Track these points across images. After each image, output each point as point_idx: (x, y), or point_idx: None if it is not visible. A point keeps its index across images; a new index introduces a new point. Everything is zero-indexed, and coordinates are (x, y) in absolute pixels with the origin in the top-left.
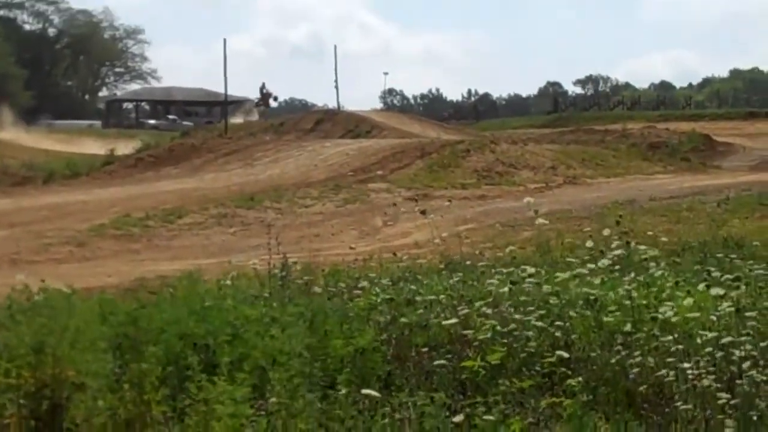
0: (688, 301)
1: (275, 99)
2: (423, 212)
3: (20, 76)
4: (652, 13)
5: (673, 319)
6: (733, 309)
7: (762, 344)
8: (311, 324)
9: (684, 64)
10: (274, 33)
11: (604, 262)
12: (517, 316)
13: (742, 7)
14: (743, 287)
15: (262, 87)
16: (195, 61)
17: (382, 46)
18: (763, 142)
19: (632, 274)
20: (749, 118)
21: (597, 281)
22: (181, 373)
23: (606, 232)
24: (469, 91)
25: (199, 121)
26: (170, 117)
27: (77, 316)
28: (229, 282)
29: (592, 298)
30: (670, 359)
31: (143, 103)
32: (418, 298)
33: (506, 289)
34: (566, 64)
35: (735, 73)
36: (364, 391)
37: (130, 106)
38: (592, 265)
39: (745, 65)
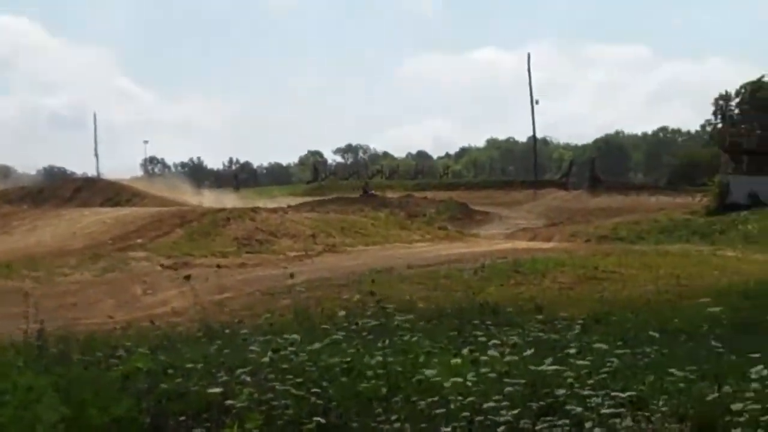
0: (447, 365)
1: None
2: (187, 277)
3: None
4: (408, 84)
5: (431, 384)
6: (491, 374)
7: (516, 411)
8: (67, 393)
9: (441, 134)
10: (32, 100)
11: (360, 328)
12: (276, 384)
13: (494, 78)
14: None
15: (366, 185)
16: None
17: (142, 114)
18: (518, 210)
19: (388, 341)
20: (505, 187)
21: (353, 348)
22: None
23: (363, 299)
24: (230, 160)
25: None
26: None
27: None
28: None
29: (347, 366)
30: (427, 424)
31: None
32: (176, 367)
33: (267, 357)
34: (327, 133)
35: (491, 143)
36: None
37: None
38: (350, 332)
39: (501, 135)
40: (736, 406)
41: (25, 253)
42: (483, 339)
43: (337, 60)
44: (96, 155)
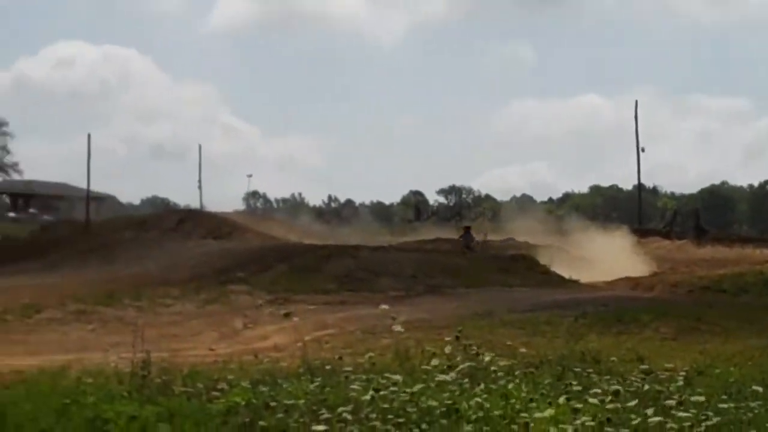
0: (548, 412)
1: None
2: (287, 315)
3: None
4: (509, 128)
5: (532, 430)
6: (591, 423)
7: None
8: (170, 424)
9: (543, 179)
10: (136, 130)
11: (460, 371)
12: (377, 424)
13: (595, 124)
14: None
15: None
16: (56, 155)
17: (245, 149)
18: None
19: (483, 385)
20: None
21: (456, 391)
22: None
23: (463, 342)
24: (330, 197)
25: (60, 216)
26: (31, 211)
27: None
28: (90, 380)
29: (452, 407)
30: None
31: (3, 196)
32: (277, 402)
33: (368, 396)
34: (429, 174)
35: (595, 190)
36: None
37: None
38: (450, 374)
39: (603, 182)
40: None
41: (128, 282)
42: (583, 387)
43: (439, 100)
44: (200, 187)
